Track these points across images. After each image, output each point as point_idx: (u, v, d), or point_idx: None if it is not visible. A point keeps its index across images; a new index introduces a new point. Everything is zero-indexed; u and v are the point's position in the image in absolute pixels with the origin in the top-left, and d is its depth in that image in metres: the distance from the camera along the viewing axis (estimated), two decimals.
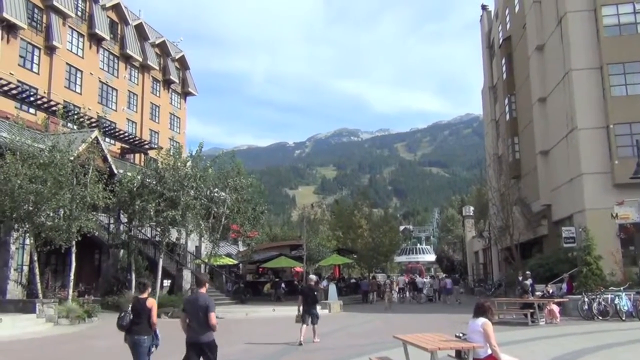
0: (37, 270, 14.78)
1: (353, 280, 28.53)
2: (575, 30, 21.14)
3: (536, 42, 24.78)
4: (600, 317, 14.20)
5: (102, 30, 32.82)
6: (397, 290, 27.81)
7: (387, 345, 8.77)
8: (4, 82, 22.83)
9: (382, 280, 30.10)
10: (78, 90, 31.16)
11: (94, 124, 22.84)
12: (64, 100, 28.66)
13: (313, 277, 12.33)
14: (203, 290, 5.45)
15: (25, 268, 15.56)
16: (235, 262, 27.70)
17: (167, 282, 20.94)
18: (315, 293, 11.01)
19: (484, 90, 38.27)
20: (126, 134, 31.02)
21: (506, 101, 30.30)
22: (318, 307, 11.56)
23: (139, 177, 18.32)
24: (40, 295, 14.46)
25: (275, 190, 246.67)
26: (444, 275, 36.62)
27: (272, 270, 29.51)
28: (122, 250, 19.67)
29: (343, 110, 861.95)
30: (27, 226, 14.50)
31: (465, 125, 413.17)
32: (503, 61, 30.90)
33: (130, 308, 5.55)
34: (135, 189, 17.91)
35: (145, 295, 5.63)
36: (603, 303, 14.40)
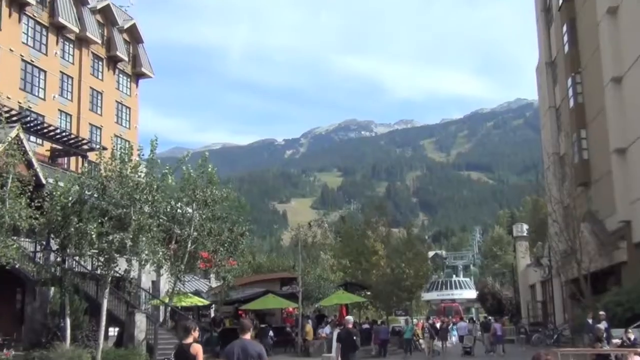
0: None
1: (366, 326, 28.36)
2: None
3: (608, 2, 25.00)
4: None
5: None
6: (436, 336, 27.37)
7: None
8: None
9: (405, 324, 29.94)
10: None
11: (13, 119, 22.93)
12: None
13: (350, 318, 12.90)
14: (248, 336, 6.12)
15: None
16: (207, 302, 27.67)
17: (113, 331, 20.89)
18: (355, 338, 11.67)
19: (539, 67, 38.49)
20: (58, 131, 31.13)
21: (569, 82, 30.42)
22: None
23: (75, 189, 18.34)
24: None
25: (259, 205, 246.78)
26: (490, 318, 36.47)
27: (257, 313, 29.45)
28: (52, 288, 19.64)
29: (350, 96, 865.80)
30: None
31: (514, 115, 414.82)
32: (564, 29, 31.12)
33: (173, 355, 6.17)
34: (70, 205, 17.92)
35: (190, 340, 6.22)
36: None
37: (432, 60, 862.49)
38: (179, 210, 20.36)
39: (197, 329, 6.58)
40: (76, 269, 19.51)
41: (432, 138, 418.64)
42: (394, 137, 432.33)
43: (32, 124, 28.62)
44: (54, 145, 31.89)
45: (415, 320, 36.14)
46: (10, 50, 32.68)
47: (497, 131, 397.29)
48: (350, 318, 13.02)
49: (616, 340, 15.92)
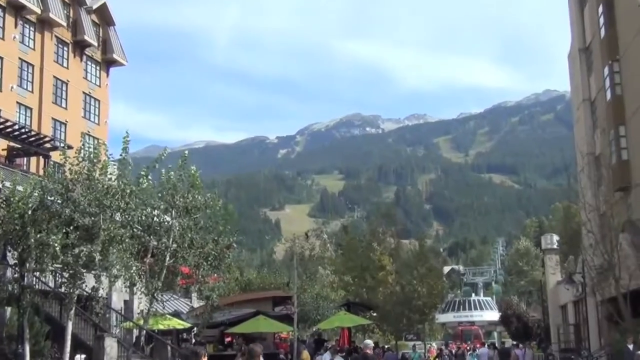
0: None
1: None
2: None
3: None
4: None
5: None
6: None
7: None
8: None
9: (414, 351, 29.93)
10: None
11: None
12: None
13: (369, 342, 12.93)
14: None
15: None
16: (187, 324, 27.65)
17: (80, 358, 20.84)
18: None
19: (571, 54, 38.58)
20: (16, 127, 31.13)
21: (606, 71, 30.49)
22: None
23: (36, 194, 18.33)
24: None
25: (248, 212, 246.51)
26: (514, 343, 36.56)
27: (245, 337, 29.41)
28: (9, 309, 19.61)
29: (353, 87, 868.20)
30: None
31: (543, 109, 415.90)
32: (600, 9, 31.19)
33: None
34: (30, 213, 17.91)
35: None
36: None
37: (447, 46, 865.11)
38: (155, 219, 20.34)
39: (206, 354, 6.64)
40: (37, 287, 19.48)
41: (447, 135, 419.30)
42: (404, 134, 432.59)
43: None
44: (11, 144, 31.86)
45: (427, 346, 36.14)
46: None
47: (522, 127, 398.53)
48: (369, 342, 12.98)
49: None
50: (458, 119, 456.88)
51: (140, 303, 22.13)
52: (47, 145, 33.03)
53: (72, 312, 18.44)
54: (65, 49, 41.02)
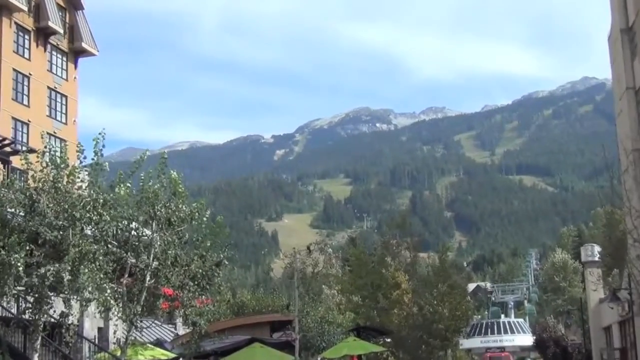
0: None
1: None
2: None
3: None
4: None
5: None
6: None
7: None
8: None
9: None
10: None
11: None
12: None
13: None
14: None
15: None
16: (172, 355, 27.61)
17: None
18: None
19: (611, 36, 38.55)
20: None
21: None
22: None
23: None
24: None
25: (241, 224, 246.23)
26: None
27: None
28: None
29: (361, 78, 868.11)
30: None
31: (580, 100, 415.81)
32: None
33: None
34: None
35: None
36: None
37: (469, 28, 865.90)
38: (133, 233, 20.33)
39: None
40: None
41: (470, 131, 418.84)
42: (420, 130, 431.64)
43: None
44: None
45: None
46: None
47: (557, 121, 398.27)
48: None
49: None
50: (482, 113, 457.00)
51: (116, 331, 22.08)
52: (7, 149, 33.05)
53: (38, 342, 18.42)
54: (27, 37, 41.10)
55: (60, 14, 43.43)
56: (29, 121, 40.44)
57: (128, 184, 20.55)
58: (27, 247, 17.52)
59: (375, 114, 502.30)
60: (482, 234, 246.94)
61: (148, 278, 20.26)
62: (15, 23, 40.21)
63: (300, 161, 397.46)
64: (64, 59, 44.11)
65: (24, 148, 32.05)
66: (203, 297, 23.05)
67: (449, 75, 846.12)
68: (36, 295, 17.97)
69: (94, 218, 18.49)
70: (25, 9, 40.56)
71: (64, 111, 43.45)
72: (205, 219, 22.02)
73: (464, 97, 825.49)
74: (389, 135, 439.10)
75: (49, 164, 18.93)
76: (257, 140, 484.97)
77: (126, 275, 20.31)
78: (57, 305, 18.93)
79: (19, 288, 18.22)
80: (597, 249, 46.34)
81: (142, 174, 21.07)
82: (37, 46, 41.82)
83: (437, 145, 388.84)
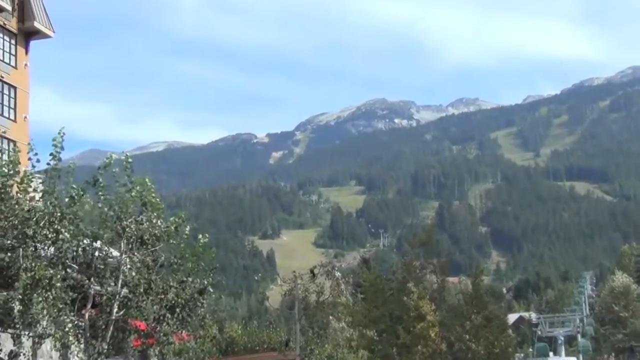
0: None
1: None
2: None
3: None
4: None
5: None
6: None
7: None
8: None
9: None
10: None
11: None
12: None
13: None
14: None
15: None
16: None
17: None
18: None
19: None
20: None
21: None
22: None
23: None
24: None
25: (230, 242, 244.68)
26: None
27: None
28: None
29: (375, 63, 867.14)
30: None
31: None
32: None
33: None
34: None
35: None
36: None
37: (507, 2, 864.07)
38: (97, 254, 20.33)
39: None
40: None
41: (510, 128, 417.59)
42: (448, 127, 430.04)
43: None
44: None
45: None
46: None
47: (616, 115, 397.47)
48: None
49: None
50: (524, 105, 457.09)
51: None
52: None
53: None
54: None
55: None
56: None
57: (100, 193, 20.54)
58: None
59: (393, 107, 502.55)
60: (525, 253, 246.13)
61: (116, 309, 20.24)
62: None
63: (301, 165, 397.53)
64: (12, 42, 44.17)
65: None
66: (183, 332, 23.03)
67: (483, 59, 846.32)
68: None
69: (50, 236, 18.48)
70: None
71: (12, 106, 43.48)
72: (185, 235, 22.03)
73: (501, 86, 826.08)
74: (410, 133, 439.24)
75: None
76: (249, 140, 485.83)
77: (89, 306, 20.28)
78: (5, 343, 18.90)
79: None
80: None
81: (102, 183, 21.03)
82: None
83: (469, 145, 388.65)
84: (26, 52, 45.20)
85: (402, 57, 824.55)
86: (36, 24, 45.03)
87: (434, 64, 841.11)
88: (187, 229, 22.02)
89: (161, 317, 21.28)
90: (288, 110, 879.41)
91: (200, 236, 22.32)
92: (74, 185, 20.22)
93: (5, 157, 20.53)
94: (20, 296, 17.66)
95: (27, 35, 45.08)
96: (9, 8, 43.21)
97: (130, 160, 21.46)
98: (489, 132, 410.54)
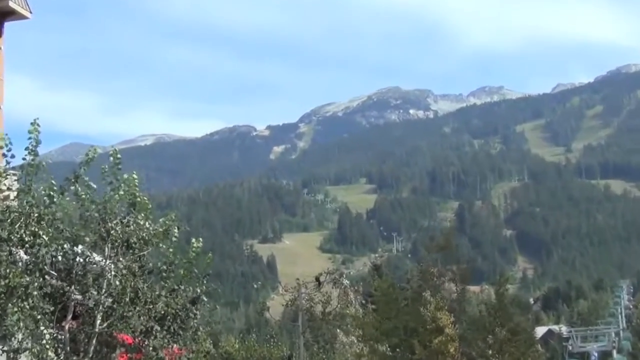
0: None
1: None
2: None
3: None
4: None
5: None
6: None
7: None
8: None
9: None
10: None
11: None
12: None
13: None
14: None
15: None
16: None
17: None
18: None
19: None
20: None
21: None
22: None
23: None
24: None
25: (226, 246, 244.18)
26: None
27: None
28: None
29: (388, 48, 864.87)
30: None
31: None
32: None
33: None
34: None
35: None
36: None
37: None
38: (79, 259, 20.35)
39: None
40: None
41: (538, 120, 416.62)
42: (469, 118, 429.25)
43: None
44: None
45: None
46: None
47: None
48: None
49: None
50: (554, 95, 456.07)
51: None
52: None
53: None
54: None
55: None
56: None
57: (82, 194, 20.50)
58: None
59: (408, 97, 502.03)
60: (555, 259, 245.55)
61: (99, 320, 20.24)
62: None
63: (305, 161, 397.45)
64: None
65: None
66: (174, 346, 23.03)
67: (507, 43, 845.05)
68: None
69: (26, 239, 18.47)
70: None
71: None
72: (174, 238, 22.01)
73: (528, 74, 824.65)
74: (426, 125, 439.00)
75: None
76: (248, 133, 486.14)
77: (69, 317, 20.28)
78: None
79: None
80: None
81: (87, 180, 21.01)
82: None
83: (493, 139, 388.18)
84: (0, 35, 45.29)
85: (417, 41, 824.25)
86: (11, 4, 44.97)
87: (453, 48, 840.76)
88: (176, 230, 22.02)
89: (149, 330, 21.30)
90: (291, 100, 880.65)
91: (193, 240, 22.32)
92: (54, 182, 20.23)
93: None
94: None
95: (0, 15, 45.17)
96: None
97: (119, 156, 21.48)
98: (514, 124, 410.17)
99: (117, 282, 20.49)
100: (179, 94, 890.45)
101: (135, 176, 21.03)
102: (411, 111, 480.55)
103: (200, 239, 22.43)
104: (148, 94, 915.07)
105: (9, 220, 18.27)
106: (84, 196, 20.90)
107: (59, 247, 19.83)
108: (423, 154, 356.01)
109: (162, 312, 21.43)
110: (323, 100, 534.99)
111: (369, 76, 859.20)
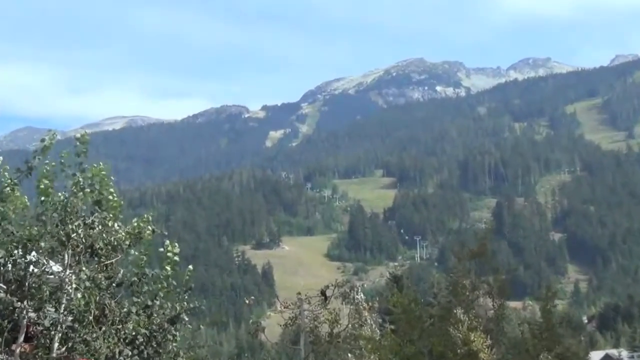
0: None
1: None
2: None
3: None
4: None
5: None
6: None
7: None
8: None
9: None
10: None
11: None
12: None
13: None
14: None
15: None
16: None
17: None
18: None
19: None
20: None
21: None
22: None
23: None
24: None
25: (212, 252, 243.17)
26: None
27: None
28: None
29: (409, 12, 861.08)
30: None
31: None
32: None
33: None
34: None
35: None
36: None
37: None
38: (33, 269, 20.42)
39: None
40: None
41: (593, 99, 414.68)
42: (509, 97, 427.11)
43: None
44: None
45: None
46: None
47: None
48: None
49: None
50: (612, 68, 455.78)
51: None
52: None
53: None
54: None
55: None
56: None
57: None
58: None
59: (434, 71, 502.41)
60: (613, 269, 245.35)
61: (57, 343, 20.29)
62: None
63: (309, 149, 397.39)
64: None
65: None
66: None
67: (555, 8, 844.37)
68: None
69: None
70: None
71: None
72: (147, 243, 22.00)
73: (581, 43, 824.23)
74: (457, 105, 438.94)
75: None
76: (238, 115, 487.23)
77: (21, 339, 20.35)
78: None
79: None
80: None
81: (45, 167, 21.02)
82: None
83: (538, 122, 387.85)
84: None
85: (446, 5, 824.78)
86: None
87: (488, 13, 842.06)
88: (150, 233, 22.02)
89: (118, 354, 21.35)
90: (292, 75, 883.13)
91: (167, 243, 22.20)
92: (7, 174, 20.27)
93: None
94: None
95: None
96: None
97: (87, 138, 21.45)
98: (564, 104, 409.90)
99: (79, 297, 20.55)
100: (156, 68, 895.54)
101: (102, 167, 21.07)
102: (438, 88, 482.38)
103: (176, 245, 22.38)
104: (117, 68, 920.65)
105: None
106: (41, 191, 20.96)
107: (8, 254, 19.90)
108: (452, 140, 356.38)
109: (133, 334, 21.49)
110: (331, 75, 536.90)
111: (387, 46, 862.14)
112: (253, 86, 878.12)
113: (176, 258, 22.08)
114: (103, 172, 21.02)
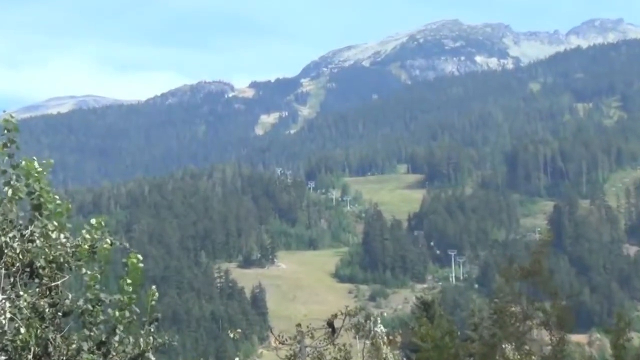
0: None
1: None
2: None
3: None
4: None
5: None
6: None
7: None
8: None
9: None
10: None
11: None
12: None
13: None
14: None
15: None
16: None
17: None
18: None
19: None
20: None
21: None
22: None
23: None
24: None
25: (186, 271, 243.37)
26: None
27: None
28: None
29: None
30: None
31: None
32: None
33: None
34: None
35: None
36: None
37: None
38: None
39: None
40: None
41: None
42: (569, 70, 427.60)
43: None
44: None
45: None
46: None
47: None
48: None
49: None
50: None
51: None
52: None
53: None
54: None
55: None
56: None
57: None
58: None
59: (472, 36, 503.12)
60: None
61: None
62: None
63: (311, 138, 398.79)
64: None
65: None
66: None
67: None
68: None
69: None
70: None
71: None
72: (104, 259, 21.92)
73: None
74: (502, 79, 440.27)
75: None
76: (221, 94, 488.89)
77: None
78: None
79: None
80: None
81: None
82: None
83: (607, 102, 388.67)
84: None
85: None
86: None
87: None
88: (107, 248, 21.91)
89: None
90: (290, 42, 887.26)
91: (130, 257, 21.92)
92: None
93: None
94: None
95: None
96: None
97: (14, 121, 21.36)
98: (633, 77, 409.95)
99: (16, 330, 20.54)
100: (113, 33, 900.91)
101: (41, 162, 21.00)
102: (478, 58, 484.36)
103: (139, 256, 21.95)
104: (64, 32, 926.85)
105: None
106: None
107: None
108: (497, 125, 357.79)
109: None
110: (339, 43, 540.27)
111: (411, 6, 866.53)
112: (239, 57, 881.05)
113: (140, 266, 21.73)
114: (39, 170, 20.81)
